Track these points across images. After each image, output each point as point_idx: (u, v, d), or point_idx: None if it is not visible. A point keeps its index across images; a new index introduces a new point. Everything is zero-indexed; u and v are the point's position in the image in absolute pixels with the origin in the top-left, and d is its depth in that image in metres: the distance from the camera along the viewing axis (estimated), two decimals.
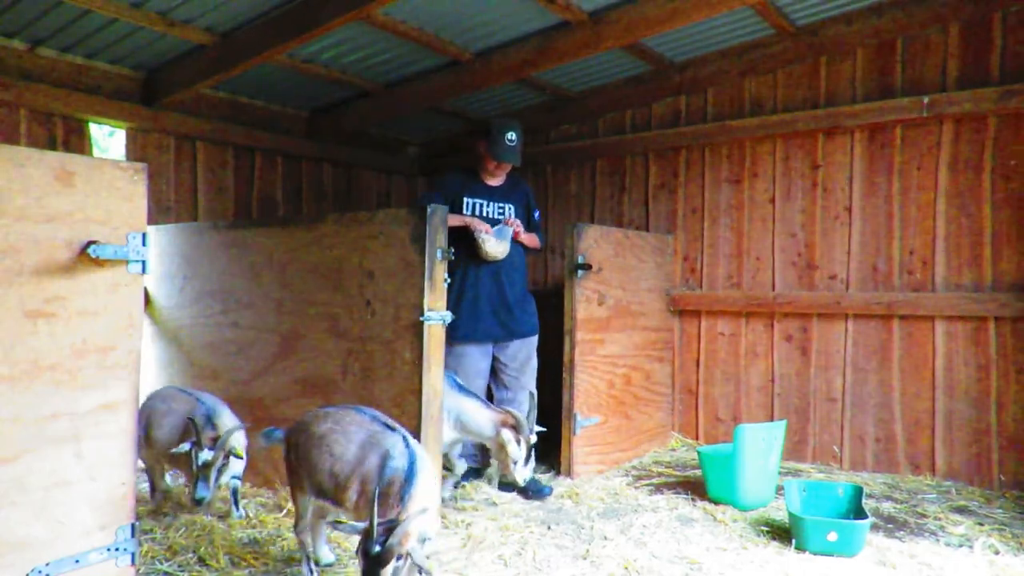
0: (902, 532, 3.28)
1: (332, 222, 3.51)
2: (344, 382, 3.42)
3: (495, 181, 4.07)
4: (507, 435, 3.32)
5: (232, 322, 3.93)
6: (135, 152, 4.69)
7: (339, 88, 5.14)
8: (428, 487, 2.27)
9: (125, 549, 2.09)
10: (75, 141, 4.37)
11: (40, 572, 1.92)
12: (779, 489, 3.74)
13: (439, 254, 3.10)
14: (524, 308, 4.09)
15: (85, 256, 1.97)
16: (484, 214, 3.97)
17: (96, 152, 5.61)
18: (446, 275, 3.16)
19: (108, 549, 2.05)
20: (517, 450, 3.31)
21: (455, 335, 3.76)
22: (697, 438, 5.01)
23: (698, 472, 4.02)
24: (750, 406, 4.82)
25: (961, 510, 3.60)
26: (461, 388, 3.57)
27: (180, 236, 4.28)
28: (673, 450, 4.90)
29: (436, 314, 3.11)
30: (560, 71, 4.91)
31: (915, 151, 4.25)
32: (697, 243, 5.06)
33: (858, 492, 3.29)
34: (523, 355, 4.10)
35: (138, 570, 2.42)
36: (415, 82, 4.95)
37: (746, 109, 4.85)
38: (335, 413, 2.62)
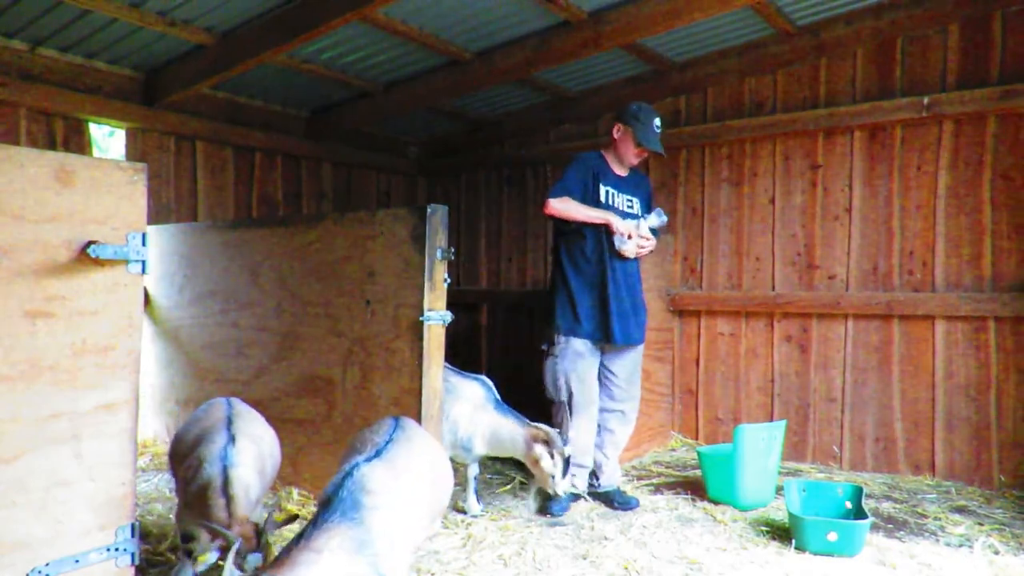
0: (902, 532, 3.28)
1: (332, 222, 3.51)
2: (344, 382, 3.42)
3: (623, 171, 3.71)
4: (540, 450, 3.28)
5: (232, 322, 3.93)
6: (135, 152, 4.69)
7: (339, 88, 5.14)
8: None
9: (125, 549, 2.09)
10: (75, 141, 4.38)
11: (40, 572, 1.91)
12: (779, 489, 3.74)
13: (439, 254, 3.10)
14: (642, 309, 3.76)
15: (85, 256, 1.96)
16: (614, 204, 3.63)
17: (96, 152, 5.61)
18: (446, 275, 3.16)
19: (108, 549, 2.05)
20: (551, 464, 3.27)
21: (595, 335, 3.53)
22: (697, 438, 5.01)
23: (698, 472, 4.02)
24: (750, 406, 4.82)
25: (961, 510, 3.60)
26: (498, 404, 3.50)
27: (180, 236, 4.28)
28: (673, 450, 4.90)
29: (436, 314, 3.10)
30: (560, 71, 4.91)
31: (915, 151, 4.25)
32: (697, 243, 5.06)
33: (858, 492, 3.29)
34: (635, 362, 3.78)
35: (141, 570, 2.42)
36: (415, 82, 4.95)
37: (746, 109, 4.85)
38: (369, 427, 2.47)
